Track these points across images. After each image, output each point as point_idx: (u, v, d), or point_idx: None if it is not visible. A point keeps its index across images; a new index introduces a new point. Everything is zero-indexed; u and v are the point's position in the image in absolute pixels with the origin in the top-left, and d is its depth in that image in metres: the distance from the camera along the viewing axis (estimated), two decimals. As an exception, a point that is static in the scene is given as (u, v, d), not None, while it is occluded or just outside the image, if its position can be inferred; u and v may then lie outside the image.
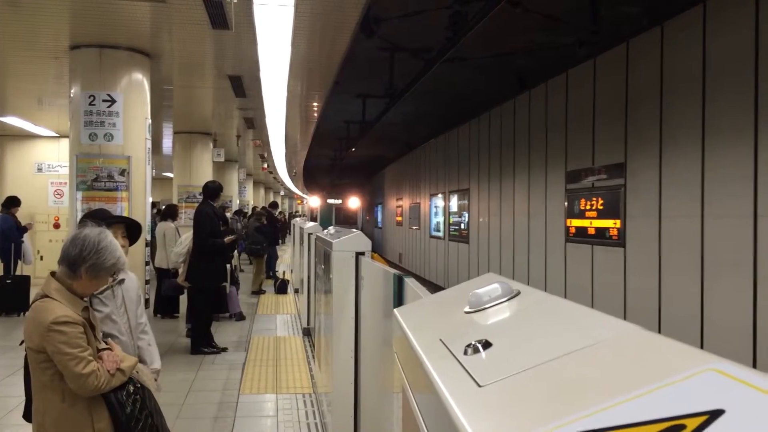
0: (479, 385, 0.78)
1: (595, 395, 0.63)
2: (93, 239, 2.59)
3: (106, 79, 6.93)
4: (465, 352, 0.91)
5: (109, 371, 2.51)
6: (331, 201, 30.77)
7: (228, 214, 13.57)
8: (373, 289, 3.39)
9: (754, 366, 5.12)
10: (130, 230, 3.34)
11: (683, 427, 0.54)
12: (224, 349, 7.90)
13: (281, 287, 13.36)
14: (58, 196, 13.80)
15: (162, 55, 7.38)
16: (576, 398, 0.65)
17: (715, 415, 0.54)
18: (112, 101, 6.87)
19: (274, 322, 10.01)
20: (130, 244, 3.31)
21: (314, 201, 31.48)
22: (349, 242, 4.13)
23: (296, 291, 12.42)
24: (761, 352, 5.96)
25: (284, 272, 15.48)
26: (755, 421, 0.52)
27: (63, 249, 2.62)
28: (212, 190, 8.08)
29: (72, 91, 7.03)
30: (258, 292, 13.21)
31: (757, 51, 6.11)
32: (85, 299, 2.68)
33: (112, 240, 2.67)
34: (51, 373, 2.49)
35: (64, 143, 11.60)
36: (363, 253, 4.00)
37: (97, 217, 3.13)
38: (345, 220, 29.27)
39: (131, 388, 2.62)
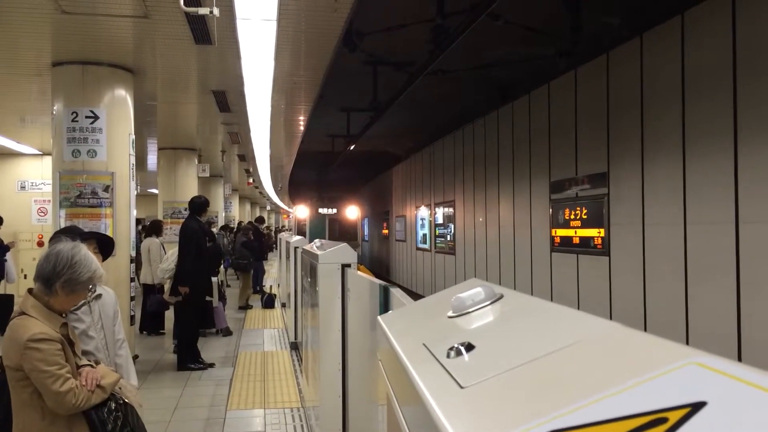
0: (461, 387, 0.77)
1: (577, 392, 0.63)
2: (66, 254, 2.56)
3: (89, 96, 6.90)
4: (448, 355, 0.90)
5: (86, 387, 2.47)
6: (323, 211, 23.95)
7: (214, 230, 13.52)
8: (359, 301, 3.38)
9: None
10: (103, 246, 3.31)
11: (665, 420, 0.54)
12: (211, 365, 7.83)
13: (268, 302, 13.30)
14: (42, 214, 13.68)
15: (145, 70, 7.36)
16: (558, 396, 0.65)
17: (697, 407, 0.54)
18: (95, 117, 6.84)
19: (262, 337, 9.95)
20: (103, 260, 3.27)
21: (302, 211, 24.56)
22: (334, 254, 4.12)
23: (283, 305, 12.36)
24: (745, 357, 6.00)
25: (271, 287, 15.41)
26: (737, 412, 0.52)
27: (37, 266, 2.59)
28: (199, 206, 8.06)
29: (54, 107, 6.99)
30: (245, 307, 13.14)
31: (734, 59, 6.19)
32: (64, 315, 2.64)
33: (86, 254, 2.63)
34: (30, 391, 2.45)
35: (48, 161, 11.49)
36: (349, 265, 3.99)
37: (69, 233, 3.10)
38: (342, 233, 22.93)
39: (113, 405, 2.58)
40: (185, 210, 10.42)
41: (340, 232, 23.22)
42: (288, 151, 15.55)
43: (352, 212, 23.94)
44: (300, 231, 22.22)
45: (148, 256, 10.03)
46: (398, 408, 1.03)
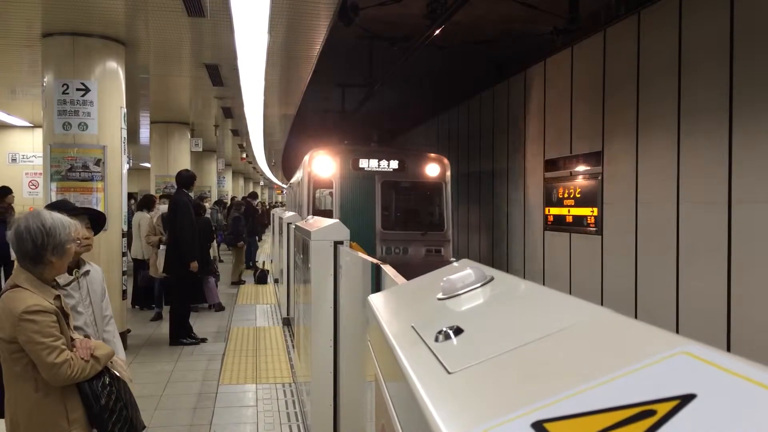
0: (449, 372, 0.76)
1: (564, 381, 0.62)
2: (37, 227, 2.52)
3: (80, 68, 6.80)
4: (436, 339, 0.89)
5: (83, 359, 2.48)
6: (367, 165, 10.11)
7: (207, 204, 13.48)
8: (351, 278, 3.37)
9: (728, 349, 5.18)
10: (94, 221, 3.29)
11: (654, 412, 0.53)
12: (203, 340, 7.85)
13: (261, 277, 13.31)
14: (33, 187, 13.60)
15: (137, 43, 7.26)
16: (545, 384, 0.64)
17: (686, 399, 0.53)
18: (87, 90, 6.75)
19: (254, 313, 9.97)
20: (95, 234, 3.25)
21: (323, 166, 10.05)
22: (327, 231, 4.10)
23: (276, 281, 12.38)
24: (735, 336, 6.04)
25: (264, 262, 15.41)
26: (727, 405, 0.51)
27: (16, 249, 2.55)
28: (187, 179, 8.00)
29: (45, 79, 6.90)
30: (238, 282, 13.15)
31: (731, 38, 6.15)
32: (55, 286, 2.64)
33: (50, 215, 2.60)
34: (24, 363, 2.45)
35: (39, 133, 11.39)
36: (341, 242, 3.98)
37: (60, 208, 3.07)
38: (411, 216, 10.56)
39: (107, 380, 2.59)
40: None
41: (408, 213, 10.66)
42: (282, 125, 15.45)
43: (433, 170, 10.46)
44: (318, 209, 10.32)
45: (139, 230, 9.99)
46: (386, 390, 1.03)
